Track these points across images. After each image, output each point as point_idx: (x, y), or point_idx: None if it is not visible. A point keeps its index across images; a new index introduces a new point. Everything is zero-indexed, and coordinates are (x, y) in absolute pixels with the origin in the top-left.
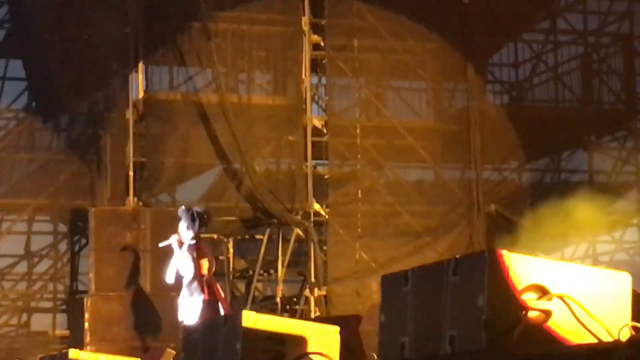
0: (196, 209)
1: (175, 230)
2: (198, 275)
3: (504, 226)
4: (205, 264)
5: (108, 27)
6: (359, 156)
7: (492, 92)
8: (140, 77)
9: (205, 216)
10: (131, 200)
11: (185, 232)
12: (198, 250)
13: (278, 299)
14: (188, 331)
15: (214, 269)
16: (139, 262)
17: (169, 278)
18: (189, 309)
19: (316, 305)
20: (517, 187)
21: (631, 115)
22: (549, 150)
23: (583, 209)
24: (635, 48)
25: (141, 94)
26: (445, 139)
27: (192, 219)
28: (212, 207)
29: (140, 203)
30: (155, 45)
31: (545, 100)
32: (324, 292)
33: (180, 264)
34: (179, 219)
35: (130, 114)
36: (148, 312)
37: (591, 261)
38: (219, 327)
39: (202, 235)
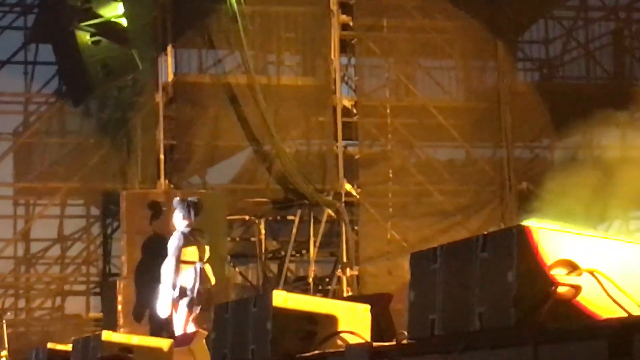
0: (190, 198)
1: (203, 212)
2: (176, 261)
3: (536, 204)
4: (188, 251)
5: (136, 10)
6: (389, 136)
7: (523, 70)
8: (169, 60)
9: (198, 206)
10: (162, 183)
11: (180, 222)
12: (185, 238)
13: (310, 280)
14: (219, 311)
15: (205, 256)
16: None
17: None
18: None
19: (348, 285)
20: (548, 165)
21: None
22: (581, 127)
23: (615, 186)
24: None
25: (170, 77)
26: (476, 118)
27: (188, 209)
28: (243, 189)
29: (171, 186)
30: (184, 28)
31: (577, 77)
32: (356, 272)
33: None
34: (174, 209)
35: (159, 97)
36: None
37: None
38: (249, 307)
39: (232, 217)
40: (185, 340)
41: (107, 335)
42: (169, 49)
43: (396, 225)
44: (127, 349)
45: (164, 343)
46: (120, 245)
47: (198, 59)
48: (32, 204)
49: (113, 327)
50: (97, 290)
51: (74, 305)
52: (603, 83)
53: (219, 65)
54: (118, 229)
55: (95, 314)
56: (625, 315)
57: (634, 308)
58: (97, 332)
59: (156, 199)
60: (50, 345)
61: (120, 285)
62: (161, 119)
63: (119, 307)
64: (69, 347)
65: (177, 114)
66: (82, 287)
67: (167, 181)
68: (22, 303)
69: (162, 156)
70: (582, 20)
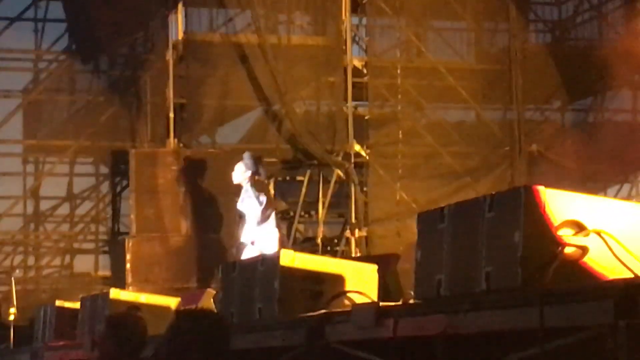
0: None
1: (213, 171)
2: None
3: (546, 166)
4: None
5: None
6: (399, 97)
7: (535, 31)
8: (180, 18)
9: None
10: (171, 141)
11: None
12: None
13: (319, 240)
14: (227, 271)
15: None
16: (179, 203)
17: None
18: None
19: (357, 246)
20: (559, 127)
21: None
22: (592, 89)
23: (626, 149)
24: None
25: (181, 35)
26: (487, 79)
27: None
28: (253, 149)
29: (181, 145)
30: None
31: (589, 39)
32: (364, 233)
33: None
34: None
35: (169, 56)
36: (189, 253)
37: (634, 201)
38: (257, 267)
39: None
40: (192, 298)
41: (115, 293)
42: (180, 6)
43: (405, 186)
44: (135, 307)
45: (171, 301)
46: (129, 203)
47: (209, 17)
48: (41, 161)
49: (121, 285)
50: (106, 248)
51: (82, 263)
52: (615, 45)
53: (229, 24)
54: (127, 187)
55: (104, 272)
56: (632, 275)
57: None
58: (105, 290)
59: (165, 157)
60: (58, 302)
61: (129, 243)
62: (171, 77)
63: (128, 266)
64: (77, 305)
65: (187, 73)
66: (91, 246)
67: (176, 140)
68: (31, 261)
69: (171, 115)
70: None
